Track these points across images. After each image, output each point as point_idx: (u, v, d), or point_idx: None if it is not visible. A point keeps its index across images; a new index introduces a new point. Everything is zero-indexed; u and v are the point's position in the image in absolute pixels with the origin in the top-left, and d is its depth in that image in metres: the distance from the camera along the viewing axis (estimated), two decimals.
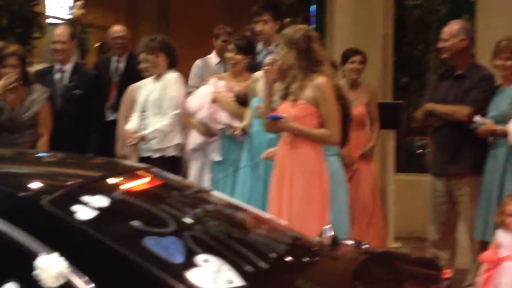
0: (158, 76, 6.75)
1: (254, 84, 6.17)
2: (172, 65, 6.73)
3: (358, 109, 6.77)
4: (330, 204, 5.32)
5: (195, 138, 6.64)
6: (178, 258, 2.81)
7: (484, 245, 5.53)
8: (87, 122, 7.05)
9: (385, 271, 3.53)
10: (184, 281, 2.70)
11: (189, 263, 2.78)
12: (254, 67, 6.68)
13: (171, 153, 6.68)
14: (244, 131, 6.23)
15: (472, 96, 6.11)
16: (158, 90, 6.70)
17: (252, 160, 6.03)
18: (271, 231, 3.63)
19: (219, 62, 7.53)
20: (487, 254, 5.16)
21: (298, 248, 3.50)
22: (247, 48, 6.57)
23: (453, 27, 6.28)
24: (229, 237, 3.15)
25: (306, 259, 3.36)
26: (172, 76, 6.71)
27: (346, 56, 7.20)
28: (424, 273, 3.58)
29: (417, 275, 3.54)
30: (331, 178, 5.43)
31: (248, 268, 2.87)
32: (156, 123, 6.65)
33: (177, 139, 6.69)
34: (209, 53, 7.66)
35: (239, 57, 6.53)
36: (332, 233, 3.73)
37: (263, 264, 2.96)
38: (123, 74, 7.78)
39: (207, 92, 6.60)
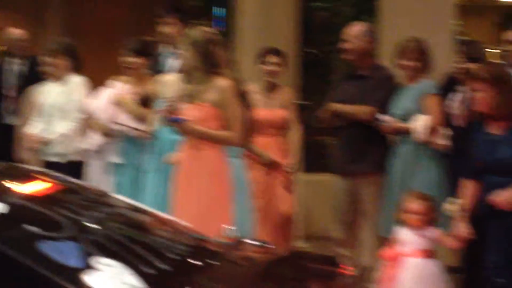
0: (61, 80, 6.67)
1: (159, 87, 6.15)
2: (76, 68, 6.66)
3: (276, 113, 6.61)
4: (233, 205, 5.35)
5: (95, 140, 6.57)
6: (76, 262, 2.79)
7: (387, 242, 5.63)
8: None
9: (287, 270, 3.56)
10: (81, 285, 2.67)
11: (88, 267, 2.76)
12: (158, 69, 6.67)
13: (75, 157, 6.60)
14: (151, 134, 6.20)
15: (375, 96, 6.21)
16: (63, 94, 6.62)
17: (158, 163, 6.00)
18: (173, 233, 3.63)
19: None
20: (387, 251, 5.27)
21: (200, 249, 3.50)
22: (143, 51, 6.56)
23: (355, 28, 6.39)
24: (129, 240, 3.14)
25: (208, 260, 3.36)
26: (76, 80, 6.65)
27: (262, 57, 6.70)
28: (325, 270, 3.63)
29: (318, 272, 3.58)
30: (234, 180, 5.46)
31: (149, 270, 2.86)
32: (61, 127, 6.57)
33: (81, 143, 6.62)
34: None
35: (136, 60, 6.50)
36: (235, 233, 3.75)
37: (164, 266, 2.96)
38: (26, 77, 7.65)
39: (108, 94, 6.55)
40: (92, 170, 6.65)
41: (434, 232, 5.20)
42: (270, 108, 6.53)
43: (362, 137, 6.24)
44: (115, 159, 6.52)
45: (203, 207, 5.22)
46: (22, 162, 6.68)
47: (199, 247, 3.54)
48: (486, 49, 7.44)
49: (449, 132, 5.98)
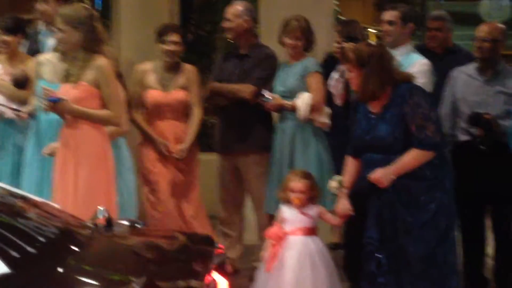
0: None
1: (39, 67, 5.96)
2: None
3: (175, 95, 6.26)
4: (115, 186, 5.28)
5: None
6: None
7: (272, 221, 5.67)
8: None
9: (159, 249, 3.53)
10: None
11: None
12: (35, 49, 6.48)
13: None
14: (30, 115, 6.01)
15: (256, 74, 6.24)
16: None
17: (40, 146, 5.83)
18: (43, 216, 3.54)
19: None
20: (272, 230, 5.30)
21: (69, 232, 3.44)
22: (15, 28, 6.35)
23: (237, 7, 6.38)
24: None
25: (77, 242, 3.30)
26: None
27: (160, 35, 6.30)
28: (199, 249, 3.61)
29: (192, 252, 3.56)
30: (116, 159, 5.39)
31: (14, 254, 2.80)
32: None
33: None
34: None
35: (9, 38, 6.30)
36: (106, 214, 3.70)
37: (30, 249, 2.90)
38: None
39: None
40: None
41: (315, 210, 5.27)
42: (168, 90, 6.28)
43: (244, 116, 6.25)
44: None
45: (83, 190, 5.12)
46: None
47: (69, 230, 3.47)
48: (367, 30, 7.56)
49: (330, 110, 6.05)
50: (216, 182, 6.53)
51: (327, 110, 6.05)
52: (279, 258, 5.16)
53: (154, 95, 6.22)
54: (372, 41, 7.02)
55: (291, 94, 6.02)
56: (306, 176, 5.35)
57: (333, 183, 5.09)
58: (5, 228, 2.99)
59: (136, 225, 3.79)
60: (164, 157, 6.19)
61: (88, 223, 3.67)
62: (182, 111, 6.29)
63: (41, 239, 3.07)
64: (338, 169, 5.35)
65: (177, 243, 3.70)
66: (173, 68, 6.30)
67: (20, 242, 2.90)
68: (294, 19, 6.13)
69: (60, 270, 2.84)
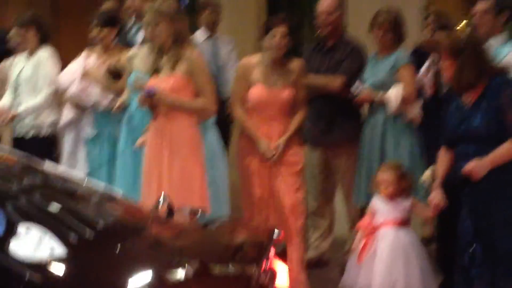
0: (30, 52, 6.60)
1: (132, 59, 6.08)
2: (43, 40, 6.58)
3: (281, 92, 5.65)
4: (206, 176, 5.36)
5: (67, 114, 6.51)
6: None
7: (362, 213, 5.66)
8: None
9: (214, 235, 3.58)
10: (3, 250, 2.66)
11: (10, 233, 2.74)
12: (127, 42, 6.60)
13: (45, 132, 6.54)
14: (122, 105, 6.13)
15: (345, 67, 6.22)
16: (31, 67, 6.55)
17: (132, 137, 5.94)
18: (103, 201, 3.59)
19: (208, 38, 7.33)
20: (363, 221, 5.29)
21: (129, 218, 3.49)
22: (111, 21, 6.47)
23: (329, 2, 6.36)
24: (56, 208, 3.11)
25: (136, 228, 3.34)
26: (45, 52, 6.58)
27: (268, 27, 5.69)
28: (256, 236, 3.64)
29: (248, 238, 3.59)
30: (208, 150, 5.46)
31: (73, 237, 2.85)
32: (30, 100, 6.50)
33: (51, 117, 6.56)
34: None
35: (105, 31, 6.43)
36: (167, 201, 3.74)
37: (89, 233, 2.94)
38: None
39: (78, 66, 6.47)
40: (65, 144, 6.60)
41: (407, 202, 5.24)
42: (273, 87, 5.64)
43: (333, 108, 6.24)
44: (89, 132, 6.45)
45: (178, 179, 5.20)
46: None
47: (128, 215, 3.53)
48: (456, 21, 7.45)
49: (420, 102, 6.00)
50: (306, 174, 6.53)
51: (418, 102, 6.00)
52: (370, 249, 5.15)
53: (258, 91, 5.63)
54: (465, 31, 6.92)
55: (381, 87, 5.99)
56: (398, 167, 5.33)
57: (426, 175, 5.05)
58: (65, 212, 3.05)
59: (197, 213, 3.83)
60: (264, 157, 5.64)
61: (148, 210, 3.71)
62: (286, 110, 5.68)
63: (100, 224, 3.13)
64: (430, 162, 5.30)
65: (233, 230, 3.75)
66: (280, 63, 5.67)
67: (79, 227, 2.95)
68: (384, 11, 6.09)
69: (116, 254, 2.87)
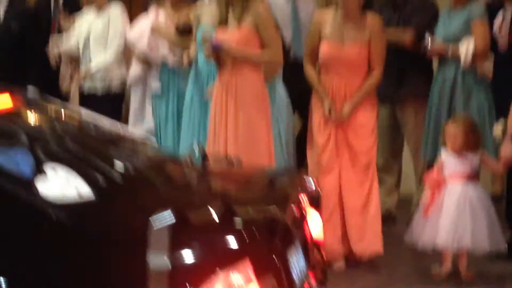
0: (99, 8, 6.64)
1: (198, 12, 6.06)
2: None
3: (353, 49, 5.32)
4: (272, 130, 5.33)
5: (135, 70, 6.54)
6: (25, 169, 2.77)
7: (430, 168, 5.54)
8: (25, 57, 6.90)
9: (242, 179, 3.51)
10: (31, 190, 2.65)
11: (38, 174, 2.73)
12: None
13: (115, 89, 6.61)
14: (190, 61, 6.12)
15: (415, 20, 6.09)
16: (102, 23, 6.60)
17: (199, 93, 5.94)
18: (131, 147, 3.56)
19: None
20: (431, 175, 5.18)
21: (159, 163, 3.44)
22: None
23: None
24: (88, 152, 3.09)
25: (166, 174, 3.31)
26: (115, 9, 6.62)
27: None
28: (286, 181, 3.57)
29: (277, 183, 3.53)
30: (274, 103, 5.41)
31: (102, 180, 2.83)
32: (100, 57, 6.56)
33: (120, 73, 6.61)
34: None
35: None
36: (201, 149, 3.69)
37: (118, 178, 2.93)
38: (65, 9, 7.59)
39: (147, 22, 6.48)
40: (132, 99, 6.65)
41: (476, 156, 5.11)
42: (345, 43, 5.34)
43: (403, 63, 6.13)
44: (156, 88, 6.48)
45: (244, 133, 5.19)
46: (67, 94, 6.74)
47: (158, 161, 3.49)
48: None
49: (493, 56, 5.84)
50: None
51: (491, 56, 5.84)
52: (437, 204, 5.05)
53: (328, 47, 5.36)
54: None
55: (454, 41, 5.83)
56: (467, 120, 5.21)
57: (497, 129, 4.92)
58: (96, 156, 3.03)
59: (233, 162, 3.79)
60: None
61: (181, 156, 3.68)
62: (358, 68, 5.37)
63: (129, 168, 3.10)
64: (503, 116, 5.15)
65: (263, 175, 3.71)
66: (354, 18, 5.34)
67: (108, 170, 2.94)
68: None
69: (144, 197, 2.83)
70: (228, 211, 2.70)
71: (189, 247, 2.49)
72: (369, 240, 5.33)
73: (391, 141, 6.36)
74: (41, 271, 2.45)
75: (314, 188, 3.52)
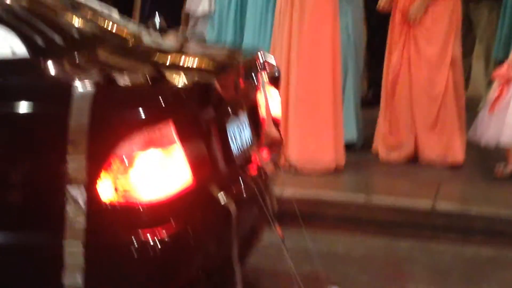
0: None
1: None
2: None
3: None
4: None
5: None
6: None
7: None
8: None
9: (197, 59, 3.34)
10: None
11: None
12: None
13: None
14: None
15: None
16: None
17: None
18: (91, 16, 3.45)
19: None
20: (500, 70, 5.04)
21: (106, 34, 3.35)
22: None
23: None
24: (31, 14, 2.99)
25: (112, 42, 3.24)
26: None
27: None
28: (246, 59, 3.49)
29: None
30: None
31: (40, 42, 2.79)
32: None
33: None
34: None
35: None
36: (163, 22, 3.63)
37: (59, 41, 2.88)
38: None
39: None
40: None
41: None
42: None
43: None
44: None
45: (308, 37, 5.10)
46: None
47: (106, 33, 3.37)
48: None
49: None
50: None
51: None
52: (504, 100, 4.93)
53: None
54: None
55: None
56: None
57: None
58: (42, 21, 2.96)
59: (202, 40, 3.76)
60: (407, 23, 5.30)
61: (138, 28, 3.60)
62: None
63: (76, 36, 3.07)
64: None
65: (219, 49, 3.72)
66: None
67: (52, 34, 2.88)
68: None
69: (76, 61, 2.80)
70: (156, 75, 2.68)
71: (111, 104, 2.56)
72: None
73: (463, 40, 6.21)
74: None
75: (275, 67, 3.52)
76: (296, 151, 5.11)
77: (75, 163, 2.49)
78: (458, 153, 5.30)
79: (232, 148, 3.02)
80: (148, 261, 2.53)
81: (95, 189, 2.50)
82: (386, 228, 4.54)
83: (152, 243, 2.50)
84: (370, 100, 6.33)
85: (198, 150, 2.72)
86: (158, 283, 2.59)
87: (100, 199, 2.50)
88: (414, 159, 5.36)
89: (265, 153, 3.39)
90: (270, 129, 3.51)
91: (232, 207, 2.76)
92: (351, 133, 5.53)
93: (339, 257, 4.15)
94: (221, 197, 2.75)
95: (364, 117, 5.74)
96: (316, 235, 4.42)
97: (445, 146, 5.30)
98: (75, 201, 2.49)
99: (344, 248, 4.28)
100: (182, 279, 2.67)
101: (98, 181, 2.50)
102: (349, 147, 5.40)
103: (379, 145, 5.42)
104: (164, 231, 2.52)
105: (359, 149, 5.61)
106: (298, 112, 5.12)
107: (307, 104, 5.10)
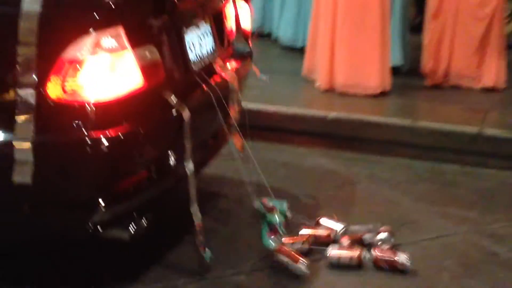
0: None
1: None
2: None
3: None
4: None
5: None
6: None
7: None
8: None
9: None
10: None
11: None
12: None
13: None
14: None
15: None
16: None
17: None
18: None
19: None
20: None
21: None
22: None
23: None
24: None
25: None
26: None
27: None
28: None
29: None
30: None
31: None
32: None
33: None
34: None
35: None
36: None
37: None
38: None
39: None
40: None
41: None
42: None
43: None
44: None
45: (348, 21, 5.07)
46: None
47: None
48: None
49: None
50: None
51: None
52: None
53: None
54: None
55: None
56: None
57: None
58: None
59: None
60: None
61: None
62: None
63: None
64: None
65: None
66: None
67: None
68: None
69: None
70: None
71: (61, 6, 2.56)
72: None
73: None
74: None
75: None
76: (342, 73, 5.07)
77: (25, 65, 2.50)
78: (500, 77, 5.24)
79: (189, 56, 3.01)
80: (95, 159, 2.56)
81: (45, 90, 2.51)
82: (431, 152, 4.50)
83: (99, 141, 2.53)
84: (418, 25, 6.20)
85: (150, 55, 2.72)
86: (103, 182, 2.61)
87: (49, 100, 2.52)
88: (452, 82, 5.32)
89: (231, 64, 3.39)
90: (238, 41, 3.50)
91: (185, 111, 2.78)
92: (398, 57, 5.46)
93: (383, 180, 4.12)
94: (172, 100, 2.77)
95: (411, 42, 5.66)
96: (359, 158, 4.41)
97: (486, 68, 5.23)
98: (25, 102, 2.51)
99: (388, 172, 4.25)
100: (126, 177, 2.70)
101: (47, 83, 2.51)
102: (395, 70, 5.33)
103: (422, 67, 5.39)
104: (111, 130, 2.55)
105: (405, 73, 5.55)
106: (345, 32, 5.08)
107: (354, 22, 5.05)
